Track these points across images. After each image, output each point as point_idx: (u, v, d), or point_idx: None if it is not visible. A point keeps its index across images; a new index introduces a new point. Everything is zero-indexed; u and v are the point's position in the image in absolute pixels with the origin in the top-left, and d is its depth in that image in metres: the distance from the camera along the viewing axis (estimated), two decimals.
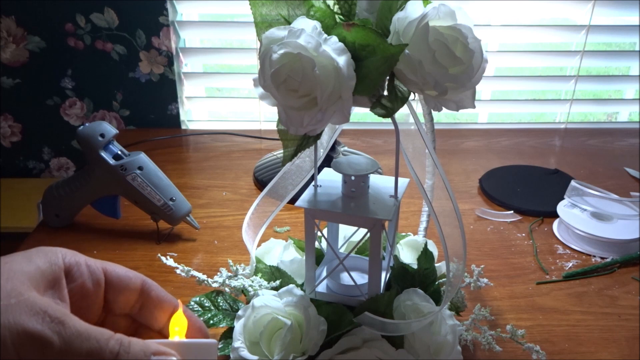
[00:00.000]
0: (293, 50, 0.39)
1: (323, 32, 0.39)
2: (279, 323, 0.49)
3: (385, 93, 0.43)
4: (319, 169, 0.53)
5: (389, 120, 0.44)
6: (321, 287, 0.53)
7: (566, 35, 1.20)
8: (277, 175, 0.57)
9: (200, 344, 0.32)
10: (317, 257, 0.53)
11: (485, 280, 0.57)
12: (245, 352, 0.48)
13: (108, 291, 0.34)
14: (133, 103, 1.22)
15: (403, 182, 0.51)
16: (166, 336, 0.35)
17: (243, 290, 0.54)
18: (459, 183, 0.96)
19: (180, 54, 1.19)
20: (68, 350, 0.27)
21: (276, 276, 0.55)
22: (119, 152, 0.75)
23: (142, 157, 0.75)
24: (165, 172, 0.76)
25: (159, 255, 0.58)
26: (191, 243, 0.77)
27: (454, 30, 0.41)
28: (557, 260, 0.74)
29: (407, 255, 0.60)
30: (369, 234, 0.48)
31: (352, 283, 0.51)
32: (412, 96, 0.43)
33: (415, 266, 0.56)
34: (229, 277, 0.55)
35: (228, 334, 0.52)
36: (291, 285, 0.52)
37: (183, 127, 1.25)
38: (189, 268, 0.55)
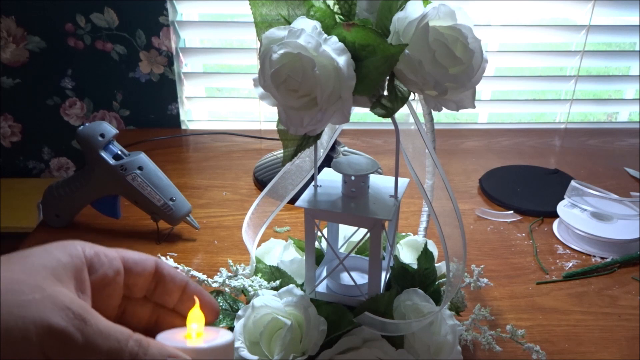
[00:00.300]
0: (293, 50, 0.39)
1: (323, 32, 0.39)
2: (279, 323, 0.49)
3: (385, 93, 0.43)
4: (319, 169, 0.53)
5: (389, 120, 0.44)
6: (321, 287, 0.53)
7: (566, 35, 1.20)
8: (277, 175, 0.57)
9: (218, 347, 0.32)
10: (317, 257, 0.53)
11: (485, 280, 0.57)
12: (245, 352, 0.48)
13: (127, 277, 0.34)
14: (133, 103, 1.22)
15: (403, 182, 0.51)
16: (181, 314, 0.36)
17: (243, 290, 0.54)
18: (459, 183, 0.96)
19: (180, 54, 1.19)
20: (89, 348, 0.27)
21: (276, 276, 0.55)
22: (119, 152, 0.75)
23: (142, 157, 0.75)
24: (165, 172, 0.76)
25: (159, 255, 0.58)
26: (191, 243, 0.77)
27: (454, 30, 0.41)
28: (557, 260, 0.74)
29: (407, 255, 0.60)
30: (369, 234, 0.48)
31: (352, 283, 0.51)
32: (412, 96, 0.43)
33: (415, 266, 0.56)
34: (229, 277, 0.55)
35: None
36: (291, 285, 0.52)
37: (183, 127, 1.25)
38: (189, 268, 0.55)
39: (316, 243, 0.53)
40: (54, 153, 1.27)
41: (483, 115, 1.35)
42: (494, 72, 1.27)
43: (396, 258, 0.55)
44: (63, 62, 1.17)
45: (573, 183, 0.83)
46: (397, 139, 0.46)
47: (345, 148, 1.00)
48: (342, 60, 0.39)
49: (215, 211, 0.86)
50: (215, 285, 0.54)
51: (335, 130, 0.57)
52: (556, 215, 0.81)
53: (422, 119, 0.54)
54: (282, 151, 0.57)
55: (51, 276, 0.28)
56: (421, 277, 0.54)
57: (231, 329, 0.52)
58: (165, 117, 1.24)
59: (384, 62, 0.39)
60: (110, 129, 0.74)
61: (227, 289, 0.55)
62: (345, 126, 0.61)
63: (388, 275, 0.54)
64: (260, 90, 0.43)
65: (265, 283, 0.54)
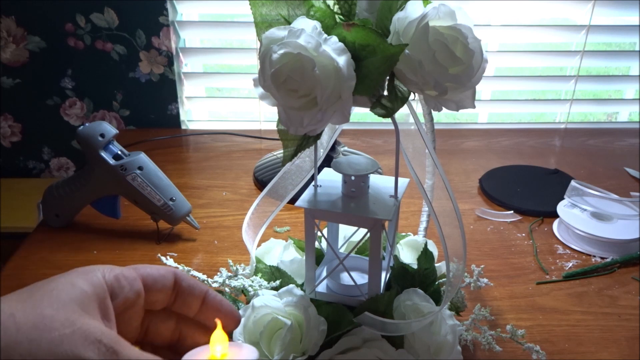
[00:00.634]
0: (293, 50, 0.39)
1: (323, 32, 0.39)
2: (279, 323, 0.49)
3: (385, 93, 0.43)
4: (319, 169, 0.53)
5: (389, 120, 0.44)
6: (321, 287, 0.53)
7: (566, 35, 1.20)
8: (277, 175, 0.57)
9: None
10: (317, 257, 0.53)
11: (485, 280, 0.57)
12: None
13: (147, 295, 0.34)
14: (133, 103, 1.22)
15: (403, 182, 0.51)
16: (202, 323, 0.36)
17: (243, 290, 0.54)
18: (459, 183, 0.96)
19: (180, 54, 1.19)
20: None
21: (276, 276, 0.55)
22: (119, 152, 0.75)
23: (142, 157, 0.75)
24: (165, 172, 0.76)
25: (159, 255, 0.58)
26: (191, 243, 0.77)
27: (454, 30, 0.41)
28: (557, 260, 0.74)
29: (407, 255, 0.60)
30: (369, 234, 0.48)
31: (352, 283, 0.51)
32: (412, 96, 0.43)
33: (415, 266, 0.56)
34: (229, 277, 0.55)
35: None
36: (291, 285, 0.52)
37: (183, 127, 1.25)
38: (189, 268, 0.55)
39: (316, 243, 0.53)
40: (54, 153, 1.27)
41: (483, 115, 1.35)
42: (494, 72, 1.27)
43: (396, 258, 0.55)
44: (63, 62, 1.17)
45: (573, 183, 0.83)
46: (397, 139, 0.46)
47: (345, 148, 1.00)
48: (342, 60, 0.39)
49: (215, 211, 0.86)
50: (215, 285, 0.54)
51: (335, 130, 0.57)
52: (556, 215, 0.81)
53: (422, 119, 0.54)
54: (282, 151, 0.57)
55: (78, 309, 0.28)
56: (421, 277, 0.54)
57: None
58: (165, 117, 1.24)
59: (384, 62, 0.39)
60: (110, 129, 0.74)
61: (227, 289, 0.55)
62: (345, 126, 0.61)
63: (388, 275, 0.54)
64: (260, 90, 0.43)
65: (265, 283, 0.54)
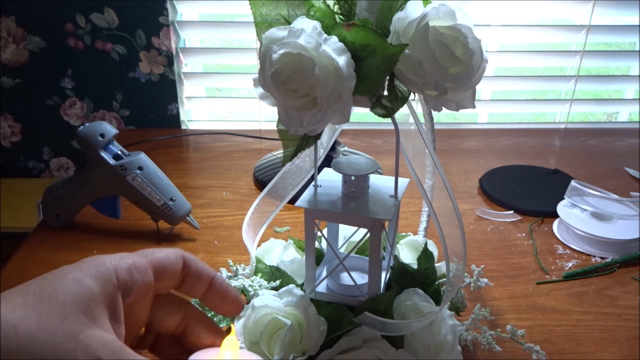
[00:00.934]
0: (293, 50, 0.39)
1: (323, 32, 0.39)
2: (279, 323, 0.49)
3: (385, 93, 0.43)
4: (319, 169, 0.53)
5: (389, 120, 0.44)
6: (321, 287, 0.53)
7: (566, 35, 1.20)
8: (277, 175, 0.57)
9: None
10: (317, 257, 0.53)
11: (485, 280, 0.57)
12: None
13: (157, 282, 0.33)
14: (133, 103, 1.22)
15: (403, 182, 0.51)
16: (208, 323, 0.36)
17: (243, 290, 0.54)
18: (459, 183, 0.96)
19: (180, 54, 1.19)
20: None
21: (276, 276, 0.55)
22: (119, 152, 0.75)
23: (142, 157, 0.75)
24: (165, 172, 0.76)
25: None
26: (191, 243, 0.77)
27: (454, 30, 0.41)
28: (557, 260, 0.74)
29: (407, 255, 0.60)
30: (369, 234, 0.48)
31: (352, 283, 0.51)
32: (412, 96, 0.43)
33: (415, 266, 0.56)
34: (229, 277, 0.55)
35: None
36: (291, 285, 0.52)
37: (183, 127, 1.26)
38: None
39: (316, 243, 0.53)
40: (54, 153, 1.27)
41: (483, 115, 1.35)
42: (494, 72, 1.27)
43: (396, 258, 0.55)
44: (63, 62, 1.17)
45: (573, 183, 0.83)
46: (397, 139, 0.46)
47: (345, 148, 1.00)
48: (342, 60, 0.39)
49: (215, 211, 0.86)
50: None
51: (335, 130, 0.57)
52: (556, 215, 0.81)
53: (422, 119, 0.54)
54: (282, 151, 0.57)
55: (84, 317, 0.28)
56: (421, 277, 0.54)
57: (230, 328, 0.52)
58: (165, 117, 1.24)
59: (384, 62, 0.39)
60: (110, 129, 0.74)
61: None
62: (345, 126, 0.61)
63: (388, 275, 0.54)
64: (260, 90, 0.43)
65: (265, 283, 0.54)
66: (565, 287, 0.69)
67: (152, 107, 1.23)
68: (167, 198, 0.75)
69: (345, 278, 0.54)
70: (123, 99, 1.21)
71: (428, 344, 0.49)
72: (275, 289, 0.53)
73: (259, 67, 0.41)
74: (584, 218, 0.78)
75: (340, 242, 0.58)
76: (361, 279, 0.53)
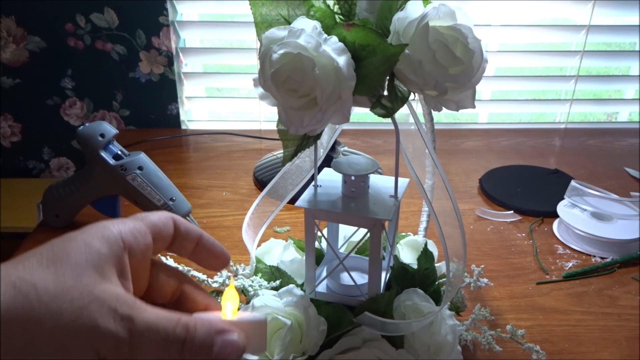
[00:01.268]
0: (293, 50, 0.39)
1: (323, 32, 0.39)
2: (279, 323, 0.49)
3: (385, 93, 0.43)
4: (319, 169, 0.53)
5: (389, 120, 0.44)
6: (321, 287, 0.53)
7: (566, 35, 1.20)
8: (277, 175, 0.57)
9: (252, 322, 0.33)
10: (317, 257, 0.53)
11: (485, 280, 0.57)
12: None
13: (154, 244, 0.35)
14: (133, 103, 1.22)
15: (403, 182, 0.51)
16: (196, 262, 0.38)
17: (243, 290, 0.54)
18: (459, 183, 0.96)
19: (180, 54, 1.19)
20: (138, 346, 0.28)
21: (276, 276, 0.55)
22: (119, 152, 0.75)
23: (142, 157, 0.75)
24: (165, 172, 0.76)
25: (159, 255, 0.58)
26: None
27: (454, 30, 0.41)
28: (557, 260, 0.74)
29: (407, 255, 0.60)
30: (369, 234, 0.48)
31: (352, 283, 0.51)
32: (412, 96, 0.43)
33: (415, 266, 0.56)
34: (229, 277, 0.55)
35: None
36: (291, 285, 0.52)
37: (183, 127, 1.25)
38: (189, 268, 0.55)
39: (316, 243, 0.53)
40: (54, 153, 1.27)
41: (483, 115, 1.35)
42: (494, 72, 1.27)
43: (396, 258, 0.55)
44: (63, 62, 1.17)
45: (573, 183, 0.83)
46: (397, 139, 0.46)
47: (345, 148, 1.00)
48: (342, 60, 0.39)
49: (215, 211, 0.86)
50: (215, 285, 0.54)
51: (335, 130, 0.57)
52: (556, 215, 0.81)
53: (422, 119, 0.54)
54: (282, 151, 0.57)
55: (96, 274, 0.29)
56: (421, 277, 0.54)
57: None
58: (165, 117, 1.24)
59: (384, 62, 0.39)
60: (110, 129, 0.74)
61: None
62: (345, 126, 0.61)
63: (388, 275, 0.54)
64: (260, 90, 0.43)
65: (265, 283, 0.54)
66: (565, 287, 0.69)
67: (152, 107, 1.23)
68: (167, 198, 0.75)
69: (345, 278, 0.54)
70: (123, 99, 1.21)
71: (428, 344, 0.49)
72: (275, 289, 0.53)
73: (259, 67, 0.41)
74: (584, 218, 0.78)
75: (340, 242, 0.58)
76: (361, 279, 0.53)
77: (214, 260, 0.38)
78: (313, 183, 0.52)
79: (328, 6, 0.42)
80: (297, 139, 0.46)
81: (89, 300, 0.28)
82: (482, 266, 0.59)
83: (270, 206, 0.59)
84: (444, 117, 1.68)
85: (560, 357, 0.58)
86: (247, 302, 0.52)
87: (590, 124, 1.39)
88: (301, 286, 0.54)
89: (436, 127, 0.59)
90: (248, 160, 1.03)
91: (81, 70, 1.18)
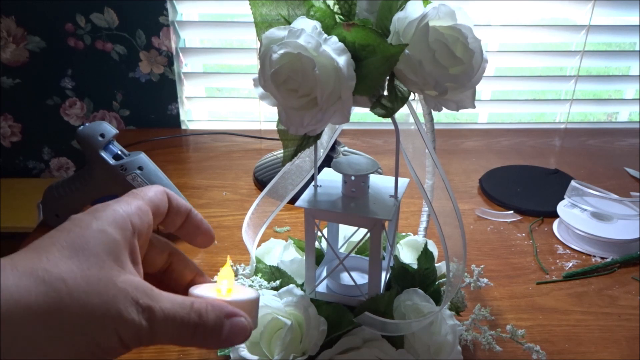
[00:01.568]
0: (293, 50, 0.39)
1: (323, 32, 0.39)
2: (279, 323, 0.49)
3: (385, 93, 0.43)
4: (319, 169, 0.53)
5: (389, 120, 0.44)
6: (321, 287, 0.53)
7: (566, 35, 1.20)
8: (277, 175, 0.57)
9: (246, 300, 0.34)
10: (317, 257, 0.53)
11: (485, 280, 0.57)
12: (245, 352, 0.48)
13: (153, 220, 0.35)
14: (133, 103, 1.22)
15: (403, 182, 0.51)
16: (183, 237, 0.39)
17: None
18: (459, 183, 0.96)
19: (180, 54, 1.19)
20: (157, 333, 0.30)
21: (276, 276, 0.55)
22: (119, 152, 0.75)
23: (142, 157, 0.75)
24: (165, 172, 0.76)
25: None
26: None
27: (454, 30, 0.41)
28: (557, 260, 0.74)
29: (407, 255, 0.60)
30: (369, 234, 0.48)
31: (352, 283, 0.51)
32: (412, 96, 0.43)
33: (415, 266, 0.56)
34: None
35: None
36: (291, 285, 0.52)
37: (183, 127, 1.25)
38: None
39: (316, 243, 0.53)
40: (54, 153, 1.27)
41: (483, 115, 1.35)
42: (494, 72, 1.27)
43: (396, 258, 0.55)
44: (63, 62, 1.17)
45: (573, 183, 0.83)
46: (397, 139, 0.46)
47: (345, 148, 1.00)
48: (342, 60, 0.39)
49: (215, 211, 0.86)
50: None
51: (335, 130, 0.57)
52: (556, 215, 0.81)
53: (422, 119, 0.54)
54: (282, 151, 0.57)
55: (114, 264, 0.30)
56: (421, 277, 0.54)
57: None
58: (165, 117, 1.24)
59: (384, 62, 0.39)
60: (110, 129, 0.74)
61: None
62: (345, 126, 0.61)
63: (388, 275, 0.54)
64: (260, 90, 0.43)
65: (265, 283, 0.54)
66: (565, 287, 0.69)
67: (152, 107, 1.23)
68: None
69: (345, 278, 0.54)
70: (123, 99, 1.21)
71: (428, 344, 0.49)
72: (275, 289, 0.53)
73: (259, 67, 0.41)
74: (584, 218, 0.78)
75: (340, 242, 0.58)
76: (361, 279, 0.53)
77: (201, 236, 0.39)
78: (313, 183, 0.52)
79: (328, 6, 0.42)
80: (297, 139, 0.46)
81: (114, 293, 0.29)
82: (482, 266, 0.59)
83: (270, 206, 0.59)
84: (444, 117, 1.68)
85: (560, 357, 0.58)
86: None
87: (590, 124, 1.39)
88: (301, 286, 0.54)
89: (436, 127, 0.59)
90: (248, 160, 1.03)
91: (81, 70, 1.18)
